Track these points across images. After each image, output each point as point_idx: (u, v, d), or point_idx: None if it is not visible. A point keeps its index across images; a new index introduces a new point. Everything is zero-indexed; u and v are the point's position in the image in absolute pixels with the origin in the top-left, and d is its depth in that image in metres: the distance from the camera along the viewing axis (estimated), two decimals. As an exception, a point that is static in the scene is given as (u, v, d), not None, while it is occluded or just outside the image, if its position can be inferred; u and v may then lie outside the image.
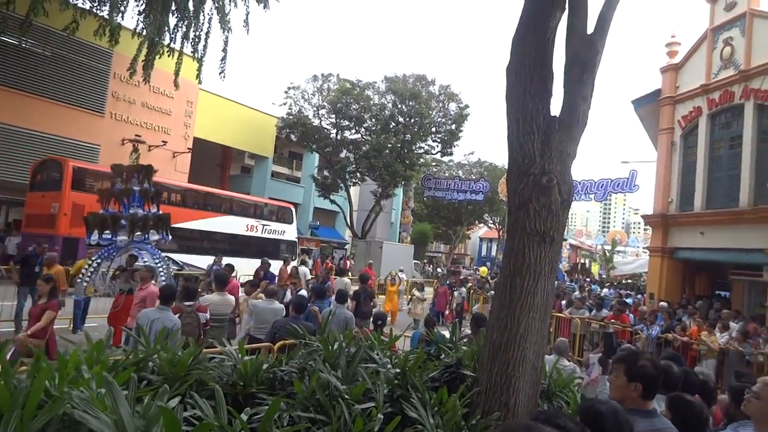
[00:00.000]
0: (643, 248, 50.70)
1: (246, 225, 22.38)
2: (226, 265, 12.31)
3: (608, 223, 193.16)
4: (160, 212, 10.96)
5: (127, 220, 10.46)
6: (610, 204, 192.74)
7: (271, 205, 25.64)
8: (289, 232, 24.73)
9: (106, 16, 17.98)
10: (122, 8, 18.03)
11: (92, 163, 21.32)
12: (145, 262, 10.06)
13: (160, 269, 9.95)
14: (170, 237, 10.94)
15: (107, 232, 10.40)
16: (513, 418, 2.98)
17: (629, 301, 16.31)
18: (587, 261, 57.83)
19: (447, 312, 16.70)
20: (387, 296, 15.56)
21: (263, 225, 23.30)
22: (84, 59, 22.50)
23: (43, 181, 17.63)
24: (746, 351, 9.33)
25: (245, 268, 14.21)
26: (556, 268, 3.46)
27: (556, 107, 3.45)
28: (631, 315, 12.37)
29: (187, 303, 6.16)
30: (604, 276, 37.51)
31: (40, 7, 15.23)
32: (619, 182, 25.37)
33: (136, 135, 24.37)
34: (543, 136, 3.32)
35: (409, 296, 15.65)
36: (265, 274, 13.57)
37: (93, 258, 10.40)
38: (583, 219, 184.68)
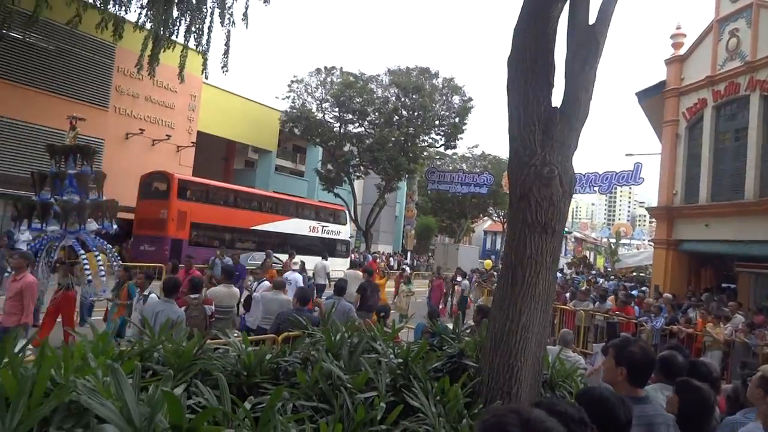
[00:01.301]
0: (649, 241, 50.57)
1: (309, 226, 24.93)
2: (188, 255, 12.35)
3: (613, 215, 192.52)
4: (102, 198, 9.86)
5: (60, 207, 9.14)
6: (615, 197, 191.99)
7: (329, 208, 28.24)
8: (343, 232, 27.34)
9: (109, 10, 18.00)
10: (126, 1, 18.06)
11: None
12: (82, 254, 8.95)
13: (100, 262, 9.07)
14: (115, 226, 9.86)
15: (36, 221, 9.18)
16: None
17: (634, 293, 16.27)
18: (592, 254, 57.75)
19: (441, 306, 15.91)
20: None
21: (323, 226, 25.77)
22: (87, 53, 22.54)
23: (153, 191, 20.33)
24: (751, 342, 9.33)
25: (308, 265, 15.16)
26: (558, 259, 3.47)
27: (557, 98, 3.45)
28: (636, 307, 12.36)
29: (192, 296, 6.21)
30: (609, 269, 37.45)
31: (45, 2, 15.26)
32: (624, 175, 25.29)
33: (140, 129, 24.45)
34: (544, 128, 3.33)
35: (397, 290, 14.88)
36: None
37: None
38: (588, 212, 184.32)
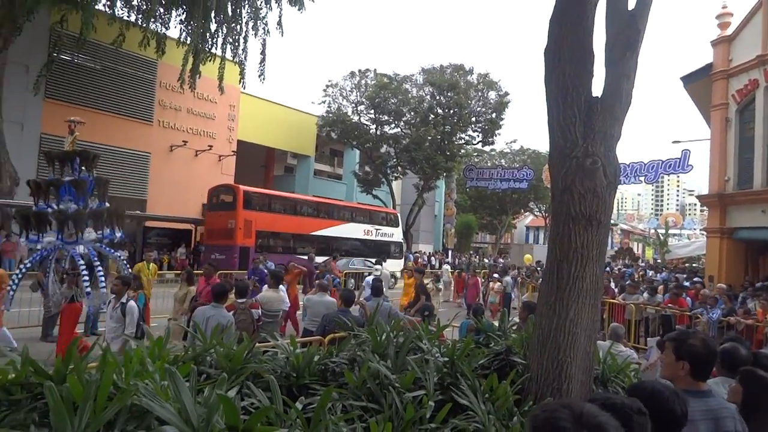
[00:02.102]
0: (701, 230, 48.54)
1: (363, 230, 25.60)
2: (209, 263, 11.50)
3: (661, 205, 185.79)
4: (104, 205, 9.18)
5: (55, 217, 8.58)
6: (662, 186, 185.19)
7: (381, 211, 29.17)
8: (396, 234, 28.03)
9: (150, 28, 18.66)
10: (166, 17, 18.69)
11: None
12: (81, 264, 8.41)
13: (100, 273, 8.46)
14: (119, 234, 9.28)
15: (33, 232, 8.67)
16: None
17: (687, 284, 15.64)
18: (640, 245, 55.88)
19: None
20: (403, 289, 14.78)
21: (376, 229, 26.47)
22: (131, 70, 23.42)
23: (220, 203, 21.47)
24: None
25: (364, 267, 15.54)
26: (605, 252, 3.39)
27: (597, 88, 3.37)
28: (689, 298, 11.90)
29: (239, 300, 6.36)
30: (659, 260, 36.17)
31: (90, 24, 15.95)
32: (671, 163, 24.41)
33: (183, 141, 25.22)
34: (585, 118, 3.26)
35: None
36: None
37: (21, 266, 8.86)
38: (633, 203, 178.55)
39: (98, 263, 8.64)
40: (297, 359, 3.04)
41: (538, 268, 19.35)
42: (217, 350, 2.99)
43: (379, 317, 4.32)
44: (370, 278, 12.09)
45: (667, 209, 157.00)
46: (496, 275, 16.44)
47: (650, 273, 21.43)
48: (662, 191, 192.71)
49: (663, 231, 39.29)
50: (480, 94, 33.45)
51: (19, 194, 17.40)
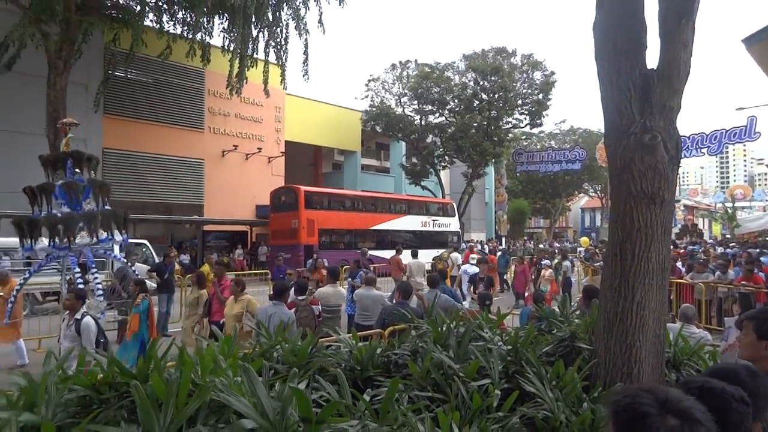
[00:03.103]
0: (772, 201, 45.65)
1: (421, 221, 26.07)
2: (217, 262, 11.06)
3: (727, 177, 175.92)
4: (100, 209, 8.57)
5: (45, 222, 8.08)
6: (727, 157, 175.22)
7: (438, 203, 29.68)
8: (453, 224, 28.25)
9: (193, 37, 19.29)
10: (209, 26, 19.27)
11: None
12: (77, 272, 8.03)
13: (97, 280, 7.96)
14: (119, 238, 8.71)
15: (27, 240, 8.15)
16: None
17: (763, 260, 14.65)
18: (707, 221, 53.19)
19: (527, 293, 14.02)
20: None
21: (433, 220, 26.94)
22: (180, 81, 24.33)
23: (282, 204, 22.40)
24: None
25: (423, 259, 15.23)
26: (670, 230, 3.26)
27: (652, 60, 3.22)
28: (762, 274, 11.22)
29: (300, 297, 6.53)
30: (727, 236, 34.32)
31: (140, 40, 16.66)
32: (736, 132, 23.10)
33: (234, 145, 25.99)
34: (641, 92, 3.13)
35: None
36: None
37: (24, 276, 8.52)
38: (696, 176, 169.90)
39: (95, 269, 8.21)
40: (360, 352, 3.09)
41: (597, 251, 18.77)
42: (283, 346, 3.09)
43: (438, 308, 4.33)
44: (467, 267, 12.20)
45: (734, 181, 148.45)
46: (546, 261, 15.29)
47: (719, 249, 20.37)
48: (727, 162, 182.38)
49: (731, 205, 37.23)
50: (525, 75, 32.70)
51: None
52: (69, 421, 1.95)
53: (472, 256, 16.34)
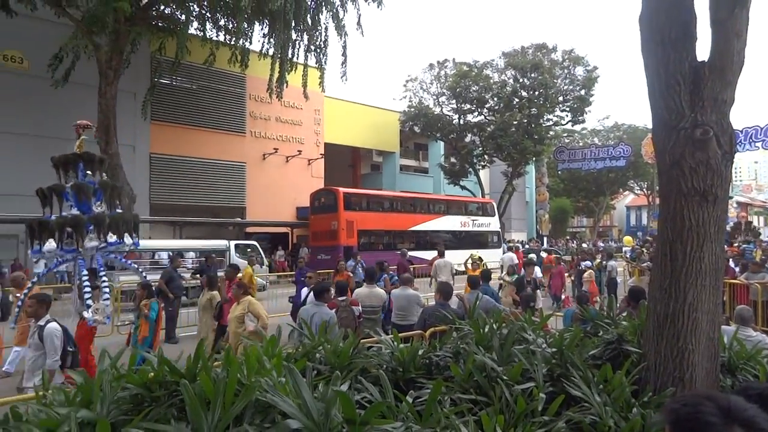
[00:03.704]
0: (835, 196, 43.12)
1: (460, 222, 25.93)
2: (230, 265, 11.41)
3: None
4: (110, 211, 8.31)
5: (53, 225, 7.84)
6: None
7: (477, 202, 29.40)
8: (493, 223, 27.85)
9: (236, 44, 19.74)
10: (250, 33, 19.71)
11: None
12: (85, 276, 7.69)
13: (105, 284, 7.68)
14: (131, 242, 8.45)
15: (36, 243, 7.90)
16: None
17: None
18: (762, 218, 50.74)
19: (564, 296, 13.50)
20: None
21: (473, 220, 26.70)
22: (223, 86, 24.98)
23: (322, 205, 22.65)
24: None
25: (461, 259, 15.33)
26: (724, 228, 3.12)
27: (702, 51, 3.09)
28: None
29: (340, 298, 6.58)
30: (785, 233, 32.60)
31: (185, 47, 17.20)
32: (793, 124, 21.90)
33: (275, 149, 26.46)
34: (691, 86, 3.01)
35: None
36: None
37: (32, 280, 8.39)
38: (750, 172, 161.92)
39: (103, 273, 8.00)
40: (402, 354, 3.09)
41: (644, 250, 18.16)
42: (325, 347, 3.11)
43: (479, 310, 4.28)
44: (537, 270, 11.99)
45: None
46: (587, 263, 14.49)
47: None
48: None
49: (788, 200, 35.35)
50: (566, 71, 31.98)
51: (136, 210, 19.16)
52: (122, 419, 2.03)
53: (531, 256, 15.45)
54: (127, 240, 8.32)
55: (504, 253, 25.56)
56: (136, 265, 9.79)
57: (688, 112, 3.00)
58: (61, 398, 2.09)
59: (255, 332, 6.18)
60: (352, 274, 11.48)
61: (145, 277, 8.92)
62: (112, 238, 8.02)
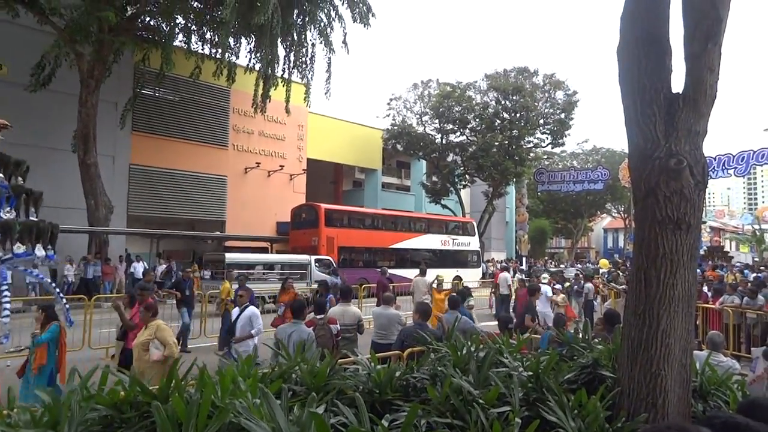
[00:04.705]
0: (803, 224, 44.37)
1: (441, 240, 25.88)
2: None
3: (755, 198, 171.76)
4: (27, 219, 7.58)
5: None
6: (755, 177, 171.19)
7: (457, 221, 29.50)
8: (473, 243, 27.93)
9: (222, 58, 19.74)
10: (236, 47, 19.74)
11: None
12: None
13: (6, 298, 6.97)
14: (42, 254, 7.70)
15: None
16: (663, 420, 2.79)
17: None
18: (733, 243, 51.94)
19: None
20: (434, 304, 11.97)
21: (453, 239, 26.66)
22: (206, 99, 24.87)
23: (303, 221, 22.63)
24: None
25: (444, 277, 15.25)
26: (696, 256, 3.19)
27: (677, 83, 3.19)
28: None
29: (318, 316, 6.52)
30: (756, 259, 33.40)
31: (170, 59, 17.13)
32: (764, 152, 22.62)
33: (257, 163, 26.33)
34: (666, 116, 3.10)
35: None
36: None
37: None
38: (723, 197, 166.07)
39: (6, 288, 7.19)
40: (378, 375, 3.06)
41: (620, 273, 18.40)
42: (302, 367, 3.08)
43: (456, 332, 4.28)
44: (547, 288, 11.92)
45: (763, 203, 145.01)
46: (557, 285, 13.92)
47: (747, 273, 19.83)
48: (755, 184, 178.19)
49: (758, 227, 36.32)
50: (547, 95, 32.64)
51: (113, 222, 18.83)
52: (90, 440, 1.97)
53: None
54: (39, 252, 7.60)
55: (483, 272, 25.69)
56: (48, 280, 8.82)
57: (663, 142, 3.08)
58: (27, 418, 2.03)
59: (158, 361, 5.28)
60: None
61: (59, 293, 7.93)
62: (20, 248, 7.30)
